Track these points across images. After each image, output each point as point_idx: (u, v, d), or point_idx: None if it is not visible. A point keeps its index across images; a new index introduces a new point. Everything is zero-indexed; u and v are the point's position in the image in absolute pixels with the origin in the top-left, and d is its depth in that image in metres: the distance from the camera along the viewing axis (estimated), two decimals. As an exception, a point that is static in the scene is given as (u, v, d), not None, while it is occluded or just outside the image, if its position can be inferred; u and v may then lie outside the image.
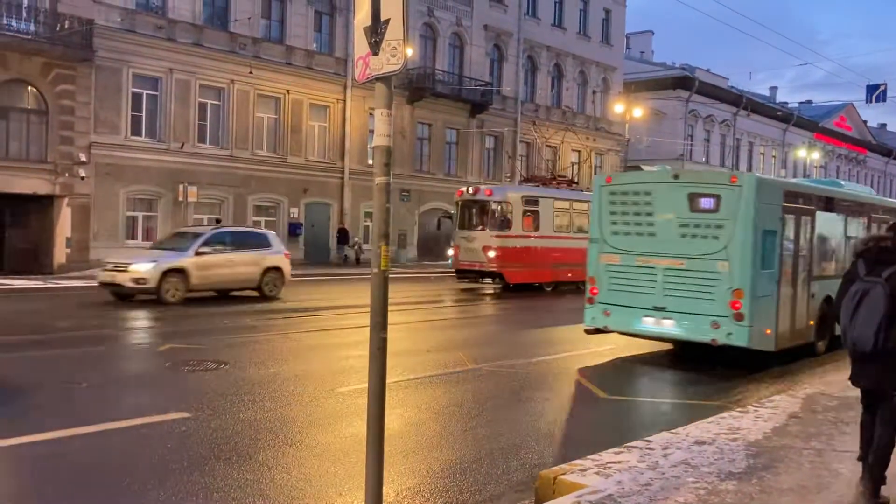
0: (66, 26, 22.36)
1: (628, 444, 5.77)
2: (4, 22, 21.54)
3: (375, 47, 3.51)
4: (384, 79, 3.61)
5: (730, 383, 9.26)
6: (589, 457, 5.35)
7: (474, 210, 21.91)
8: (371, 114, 30.96)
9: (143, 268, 15.05)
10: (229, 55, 26.64)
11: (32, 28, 22.10)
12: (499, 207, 21.52)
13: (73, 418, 6.46)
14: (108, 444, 5.90)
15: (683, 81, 46.71)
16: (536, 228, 21.88)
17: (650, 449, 5.62)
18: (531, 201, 22.13)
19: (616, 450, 5.57)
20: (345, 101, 30.21)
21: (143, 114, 24.90)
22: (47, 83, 22.70)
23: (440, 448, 6.13)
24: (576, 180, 25.35)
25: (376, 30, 3.51)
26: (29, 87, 22.75)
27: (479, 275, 21.80)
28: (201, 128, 26.23)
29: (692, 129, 48.20)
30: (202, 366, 8.96)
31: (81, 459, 5.52)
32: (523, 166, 37.82)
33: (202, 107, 26.33)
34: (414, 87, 31.83)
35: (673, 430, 6.23)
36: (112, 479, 5.09)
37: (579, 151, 40.31)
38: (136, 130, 24.70)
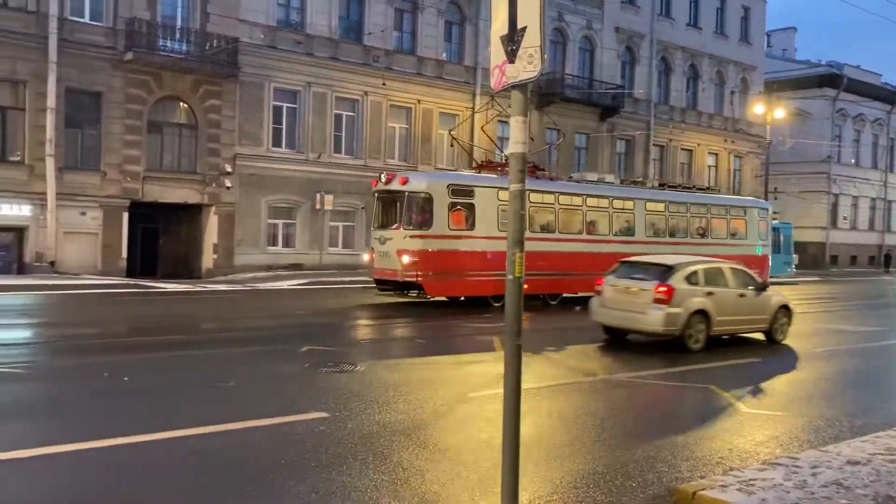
0: (215, 45, 23.81)
1: (773, 460, 5.49)
2: (160, 43, 23.18)
3: (512, 55, 3.53)
4: (520, 86, 3.63)
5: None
6: (730, 472, 5.13)
7: (390, 204, 17.25)
8: (500, 121, 31.15)
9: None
10: (363, 67, 27.49)
11: (185, 48, 23.67)
12: (416, 200, 16.70)
13: (221, 415, 6.83)
14: (253, 440, 6.20)
15: (830, 79, 44.08)
16: (471, 226, 16.95)
17: (797, 467, 5.31)
18: (463, 191, 17.09)
19: (759, 466, 5.31)
20: (473, 108, 30.47)
21: (283, 126, 26.10)
22: (197, 99, 24.23)
23: (573, 457, 6.06)
24: (542, 167, 20.52)
25: (513, 38, 3.53)
26: (181, 104, 24.37)
27: (395, 286, 17.11)
28: (337, 138, 27.20)
29: (840, 129, 45.37)
30: (339, 367, 9.26)
31: (230, 454, 5.83)
32: (656, 170, 36.84)
33: (337, 118, 27.31)
34: (543, 92, 31.67)
35: (822, 448, 5.88)
36: (257, 473, 5.35)
37: (716, 154, 38.74)
38: (276, 142, 25.92)
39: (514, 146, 3.65)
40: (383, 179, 17.31)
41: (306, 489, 5.05)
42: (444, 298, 17.71)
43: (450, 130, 23.91)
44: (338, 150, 27.30)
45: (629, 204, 20.60)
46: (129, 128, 23.12)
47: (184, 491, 5.08)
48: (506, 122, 30.35)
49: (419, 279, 16.32)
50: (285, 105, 26.18)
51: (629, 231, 20.56)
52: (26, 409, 7.06)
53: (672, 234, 21.59)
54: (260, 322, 14.25)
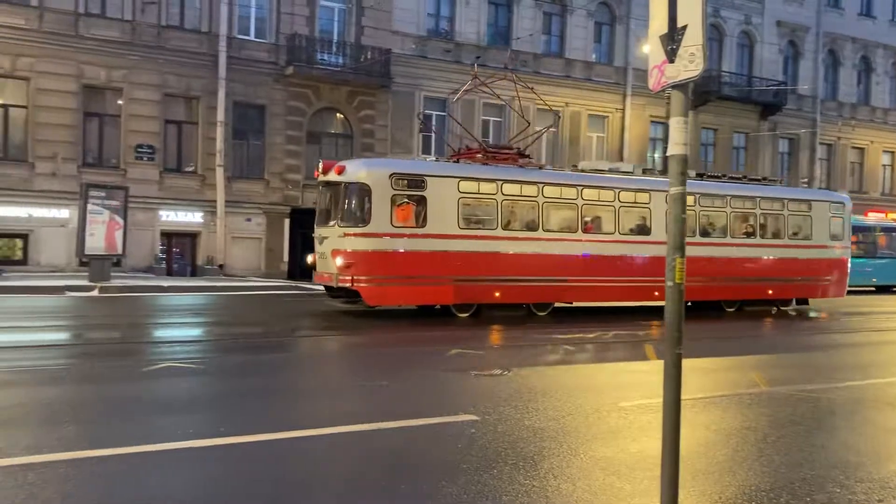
0: (369, 57, 24.69)
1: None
2: (319, 57, 24.33)
3: (672, 54, 3.42)
4: (680, 86, 3.51)
5: None
6: (915, 499, 4.70)
7: (329, 197, 15.18)
8: (653, 121, 30.30)
9: None
10: (510, 72, 27.56)
11: (341, 61, 24.72)
12: (353, 192, 14.40)
13: (374, 413, 7.04)
14: (404, 439, 6.34)
15: None
16: (422, 223, 14.51)
17: None
18: (411, 182, 14.60)
19: (948, 494, 4.83)
20: (623, 110, 29.85)
21: (432, 134, 26.66)
22: (352, 109, 25.22)
23: (732, 472, 5.77)
24: (527, 154, 17.54)
25: (673, 37, 3.42)
26: (337, 114, 25.47)
27: (334, 292, 15.15)
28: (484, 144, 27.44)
29: None
30: (487, 371, 9.32)
31: (382, 451, 6.00)
32: (823, 170, 34.53)
33: (485, 123, 27.55)
34: (698, 91, 30.51)
35: None
36: (409, 471, 5.47)
37: (893, 153, 35.80)
38: (426, 149, 26.52)
39: (674, 148, 3.54)
40: (321, 168, 15.04)
41: (457, 490, 5.10)
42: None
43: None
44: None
45: (643, 197, 16.86)
46: (290, 138, 24.43)
47: (340, 484, 5.27)
48: (659, 123, 29.52)
49: (354, 284, 14.07)
50: (434, 113, 26.72)
51: (644, 229, 16.81)
52: (199, 403, 7.58)
53: (706, 233, 17.82)
54: (410, 323, 14.60)
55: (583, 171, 17.63)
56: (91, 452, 5.48)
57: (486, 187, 15.11)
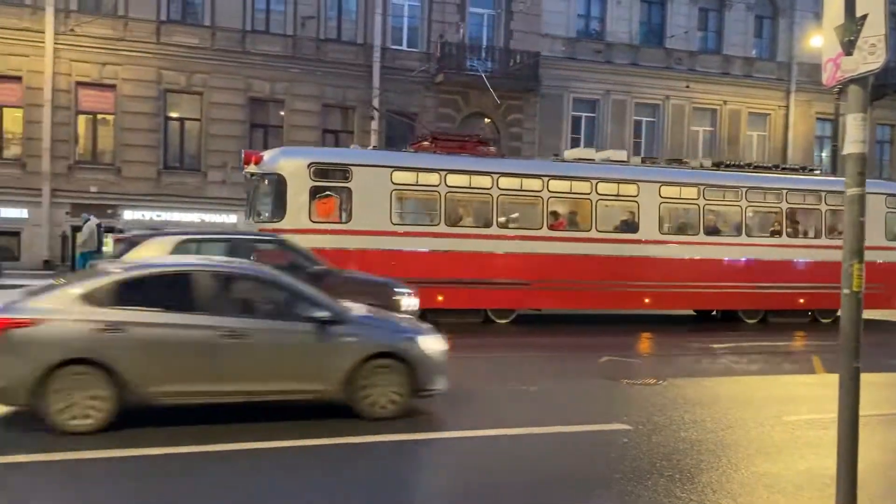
0: (517, 61, 24.75)
1: None
2: (468, 64, 24.64)
3: (849, 46, 3.19)
4: (859, 80, 3.27)
5: None
6: None
7: (251, 191, 14.07)
8: (819, 119, 28.48)
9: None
10: (664, 71, 26.76)
11: (489, 66, 24.91)
12: (269, 184, 13.16)
13: (524, 418, 7.03)
14: (556, 445, 6.29)
15: None
16: (347, 218, 13.05)
17: None
18: (334, 172, 13.11)
19: None
20: (787, 107, 28.21)
21: (582, 136, 26.32)
22: (500, 114, 25.34)
23: (915, 499, 5.30)
24: (485, 139, 15.60)
25: (851, 28, 3.19)
26: (485, 119, 25.66)
27: None
28: (636, 145, 26.74)
29: None
30: (639, 380, 9.08)
31: (534, 456, 5.97)
32: None
33: (637, 124, 26.90)
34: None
35: None
36: (561, 477, 5.42)
37: None
38: (575, 152, 26.23)
39: (852, 146, 3.29)
40: (243, 159, 13.93)
41: (612, 499, 5.01)
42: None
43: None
44: (637, 156, 26.83)
45: (629, 189, 14.47)
46: (440, 144, 24.89)
47: (489, 490, 5.29)
48: (826, 120, 27.66)
49: None
50: (584, 115, 26.39)
51: (631, 226, 14.56)
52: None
53: (714, 231, 15.26)
54: (558, 329, 14.46)
55: (562, 160, 15.50)
56: None
57: (427, 178, 13.37)
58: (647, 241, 14.29)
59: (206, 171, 23.09)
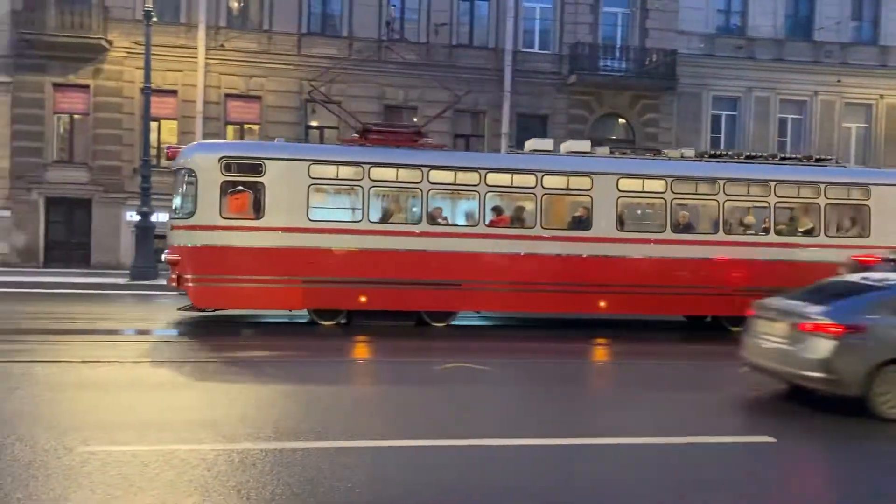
0: (653, 59, 24.09)
1: None
2: (601, 64, 24.23)
3: None
4: None
5: None
6: None
7: (173, 187, 13.55)
8: None
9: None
10: (812, 65, 25.24)
11: (624, 66, 24.38)
12: (182, 179, 12.62)
13: (661, 427, 6.79)
14: (695, 454, 6.03)
15: None
16: (260, 214, 12.31)
17: None
18: (246, 166, 12.47)
19: None
20: (952, 99, 25.94)
21: (722, 135, 25.28)
22: (634, 114, 24.74)
23: None
24: (420, 130, 14.21)
25: None
26: (619, 120, 25.13)
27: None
28: (781, 143, 25.38)
29: None
30: (769, 390, 8.58)
31: (675, 465, 5.75)
32: None
33: (782, 122, 25.52)
34: None
35: None
36: (704, 487, 5.18)
37: None
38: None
39: None
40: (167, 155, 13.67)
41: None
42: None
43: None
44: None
45: (581, 182, 13.11)
46: (571, 146, 24.61)
47: (631, 499, 5.14)
48: None
49: (180, 284, 12.30)
50: (724, 113, 25.33)
51: (583, 222, 13.23)
52: (480, 405, 7.85)
53: (684, 228, 13.49)
54: (695, 335, 13.92)
55: (516, 152, 14.44)
56: (389, 443, 5.91)
57: (348, 172, 12.66)
58: (601, 239, 12.93)
59: (342, 177, 23.82)
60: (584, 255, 12.85)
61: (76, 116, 22.58)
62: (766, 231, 13.63)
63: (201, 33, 22.56)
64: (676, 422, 7.04)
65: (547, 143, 14.27)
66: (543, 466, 5.58)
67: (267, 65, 23.15)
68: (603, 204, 12.98)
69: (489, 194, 12.85)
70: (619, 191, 13.09)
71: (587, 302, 12.97)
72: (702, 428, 6.80)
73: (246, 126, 23.53)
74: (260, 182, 12.26)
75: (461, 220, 13.19)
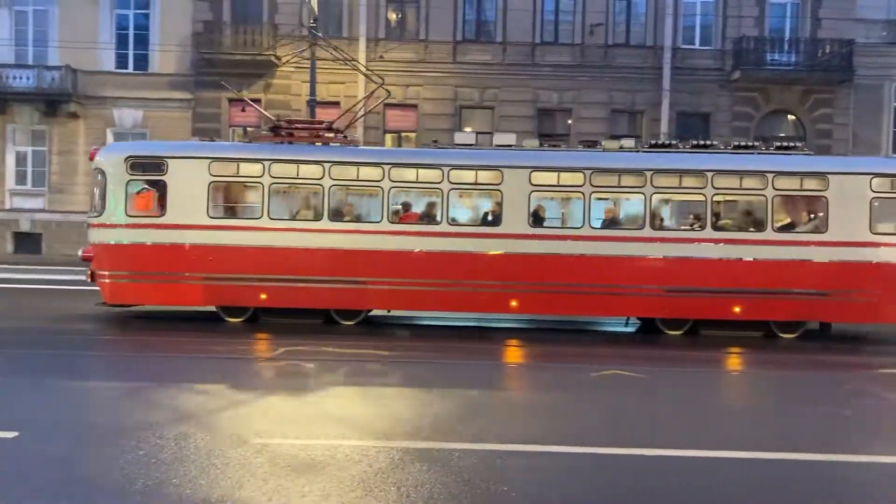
0: (827, 51, 22.54)
1: None
2: (768, 58, 22.95)
3: None
4: None
5: None
6: None
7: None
8: None
9: None
10: None
11: (793, 59, 22.97)
12: (97, 178, 12.76)
13: (839, 444, 6.32)
14: (858, 475, 5.58)
15: None
16: (162, 212, 12.31)
17: None
18: (150, 165, 12.54)
19: None
20: None
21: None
22: (805, 110, 23.30)
23: None
24: (340, 129, 13.52)
25: None
26: (788, 116, 23.71)
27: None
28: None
29: None
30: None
31: (855, 485, 5.34)
32: None
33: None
34: None
35: None
36: None
37: None
38: (897, 147, 23.24)
39: None
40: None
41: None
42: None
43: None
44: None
45: (490, 176, 12.43)
46: (735, 145, 23.49)
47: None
48: None
49: (95, 280, 12.57)
50: (905, 105, 23.31)
51: (493, 218, 12.48)
52: (638, 413, 7.62)
53: (610, 224, 12.42)
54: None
55: (438, 147, 13.65)
56: (544, 449, 5.88)
57: (249, 169, 12.51)
58: (511, 236, 12.14)
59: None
60: (494, 253, 12.20)
61: (249, 129, 24.12)
62: (702, 226, 12.24)
63: (362, 45, 23.51)
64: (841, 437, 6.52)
65: (470, 137, 13.70)
66: (709, 479, 5.34)
67: (423, 73, 23.76)
68: (514, 199, 12.21)
69: (393, 190, 12.40)
70: (532, 185, 12.22)
71: (498, 301, 12.33)
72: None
73: (403, 134, 24.25)
74: (163, 180, 12.43)
75: (364, 217, 12.83)
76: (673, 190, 12.52)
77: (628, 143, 13.02)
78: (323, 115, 22.21)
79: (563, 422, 6.97)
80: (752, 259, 12.02)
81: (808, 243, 12.01)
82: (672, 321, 12.35)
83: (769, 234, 12.01)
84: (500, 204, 12.34)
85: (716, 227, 12.14)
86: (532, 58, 23.81)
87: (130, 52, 24.63)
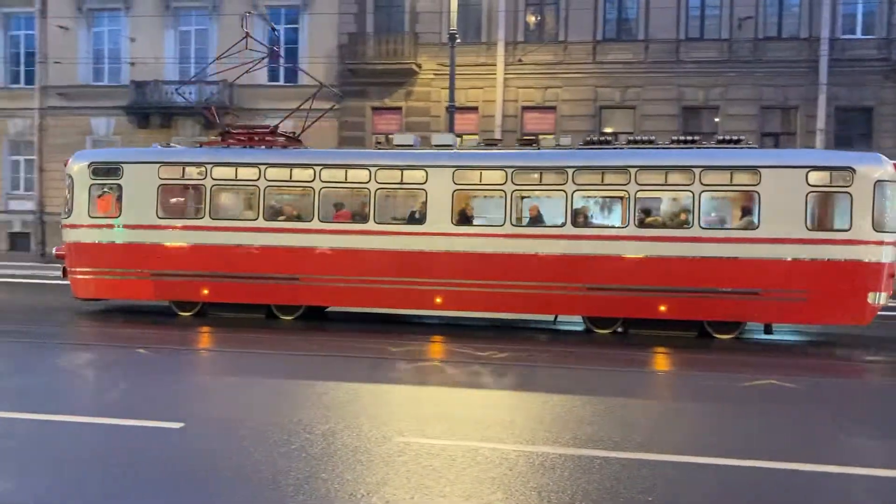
0: None
1: None
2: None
3: None
4: None
5: None
6: None
7: None
8: None
9: None
10: None
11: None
12: (67, 184, 14.12)
13: None
14: None
15: None
16: (118, 213, 13.57)
17: None
18: (108, 170, 13.84)
19: None
20: None
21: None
22: None
23: None
24: (274, 129, 14.13)
25: None
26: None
27: None
28: None
29: None
30: None
31: None
32: None
33: None
34: None
35: None
36: None
37: None
38: None
39: None
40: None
41: None
42: None
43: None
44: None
45: (415, 175, 12.65)
46: (903, 141, 21.73)
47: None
48: None
49: (65, 276, 14.06)
50: None
51: (418, 216, 12.77)
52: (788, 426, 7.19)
53: (523, 221, 12.49)
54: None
55: (382, 148, 13.80)
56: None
57: (193, 172, 13.48)
58: (434, 234, 12.42)
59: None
60: (418, 250, 12.45)
61: (390, 136, 24.79)
62: (625, 223, 12.02)
63: (500, 50, 23.62)
64: None
65: (408, 138, 13.81)
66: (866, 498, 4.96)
67: (562, 75, 23.57)
68: (438, 197, 12.47)
69: (324, 190, 12.95)
70: (455, 184, 12.46)
71: (424, 298, 12.56)
72: None
73: (541, 137, 24.10)
74: (119, 184, 13.61)
75: (297, 217, 13.27)
76: (595, 187, 12.45)
77: (565, 140, 13.21)
78: (461, 120, 22.60)
79: (711, 432, 6.69)
80: (677, 257, 11.73)
81: (737, 240, 11.64)
82: (601, 320, 12.35)
83: (696, 231, 11.68)
84: (425, 203, 12.65)
85: (640, 225, 11.97)
86: (676, 55, 23.05)
87: (281, 66, 25.94)
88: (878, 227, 11.08)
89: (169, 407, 7.08)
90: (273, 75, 26.03)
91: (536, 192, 12.94)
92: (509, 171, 12.33)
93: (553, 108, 23.81)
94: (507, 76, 23.67)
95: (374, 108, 24.90)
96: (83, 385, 8.44)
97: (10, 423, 6.33)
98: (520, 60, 23.39)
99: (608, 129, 23.79)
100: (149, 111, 25.94)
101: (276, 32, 23.38)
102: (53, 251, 14.76)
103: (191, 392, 8.06)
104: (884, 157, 11.92)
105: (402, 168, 12.80)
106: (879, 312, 11.55)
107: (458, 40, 20.55)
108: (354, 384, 8.19)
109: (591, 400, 7.77)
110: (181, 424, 6.29)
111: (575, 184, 12.05)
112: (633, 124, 23.46)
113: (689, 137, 12.77)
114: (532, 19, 24.34)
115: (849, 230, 11.16)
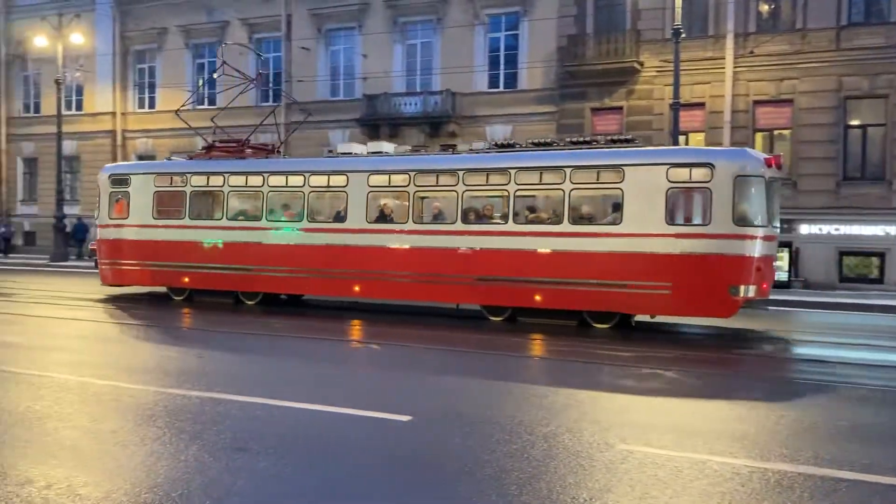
0: None
1: None
2: None
3: None
4: None
5: None
6: None
7: None
8: None
9: None
10: None
11: None
12: (98, 190, 17.54)
13: None
14: None
15: None
16: (128, 215, 16.73)
17: None
18: (121, 180, 16.99)
19: None
20: None
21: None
22: None
23: None
24: (244, 142, 16.92)
25: None
26: None
27: None
28: None
29: None
30: None
31: None
32: None
33: None
34: None
35: None
36: None
37: None
38: None
39: None
40: None
41: None
42: None
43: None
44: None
45: (338, 180, 14.86)
46: None
47: None
48: None
49: (99, 266, 17.26)
50: None
51: (340, 216, 14.84)
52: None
53: (424, 219, 14.32)
54: None
55: (328, 156, 16.24)
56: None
57: (178, 180, 16.43)
58: (353, 231, 14.40)
59: (891, 179, 21.24)
60: (340, 245, 14.47)
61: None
62: (505, 220, 13.24)
63: (729, 43, 22.43)
64: None
65: (357, 147, 15.75)
66: None
67: (799, 65, 21.94)
68: (356, 198, 14.38)
69: (270, 193, 15.39)
70: (370, 186, 14.31)
71: (345, 286, 14.59)
72: None
73: (776, 132, 22.62)
74: (128, 191, 16.72)
75: (251, 217, 15.70)
76: (480, 187, 13.65)
77: (478, 144, 14.55)
78: (687, 117, 21.71)
79: None
80: (549, 251, 12.71)
81: (602, 235, 12.36)
82: (493, 308, 13.63)
83: (565, 226, 12.60)
84: (346, 203, 14.56)
85: (517, 221, 13.10)
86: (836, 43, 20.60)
87: (501, 72, 26.45)
88: (739, 221, 11.45)
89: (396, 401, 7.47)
90: (493, 81, 26.61)
91: (434, 193, 14.45)
92: (412, 174, 14.00)
93: (789, 101, 22.13)
94: (737, 69, 22.35)
95: (594, 109, 24.60)
96: (328, 377, 9.11)
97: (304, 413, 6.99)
98: (751, 52, 22.00)
99: (854, 122, 21.74)
100: (378, 122, 27.52)
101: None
102: (90, 246, 19.16)
103: (416, 387, 8.43)
104: (751, 152, 12.32)
105: (328, 174, 15.01)
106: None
107: (683, 35, 19.75)
108: (577, 391, 8.11)
109: (834, 415, 7.09)
110: (409, 417, 6.61)
111: (465, 184, 13.44)
112: (885, 115, 21.20)
113: (582, 139, 13.74)
114: (765, 8, 22.80)
115: (708, 224, 11.61)
